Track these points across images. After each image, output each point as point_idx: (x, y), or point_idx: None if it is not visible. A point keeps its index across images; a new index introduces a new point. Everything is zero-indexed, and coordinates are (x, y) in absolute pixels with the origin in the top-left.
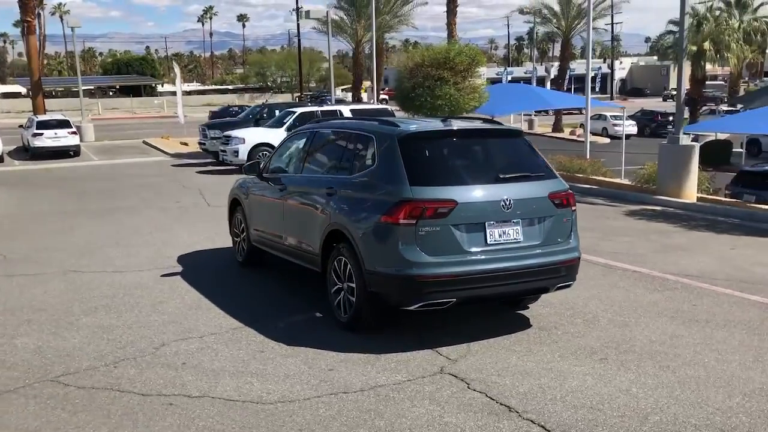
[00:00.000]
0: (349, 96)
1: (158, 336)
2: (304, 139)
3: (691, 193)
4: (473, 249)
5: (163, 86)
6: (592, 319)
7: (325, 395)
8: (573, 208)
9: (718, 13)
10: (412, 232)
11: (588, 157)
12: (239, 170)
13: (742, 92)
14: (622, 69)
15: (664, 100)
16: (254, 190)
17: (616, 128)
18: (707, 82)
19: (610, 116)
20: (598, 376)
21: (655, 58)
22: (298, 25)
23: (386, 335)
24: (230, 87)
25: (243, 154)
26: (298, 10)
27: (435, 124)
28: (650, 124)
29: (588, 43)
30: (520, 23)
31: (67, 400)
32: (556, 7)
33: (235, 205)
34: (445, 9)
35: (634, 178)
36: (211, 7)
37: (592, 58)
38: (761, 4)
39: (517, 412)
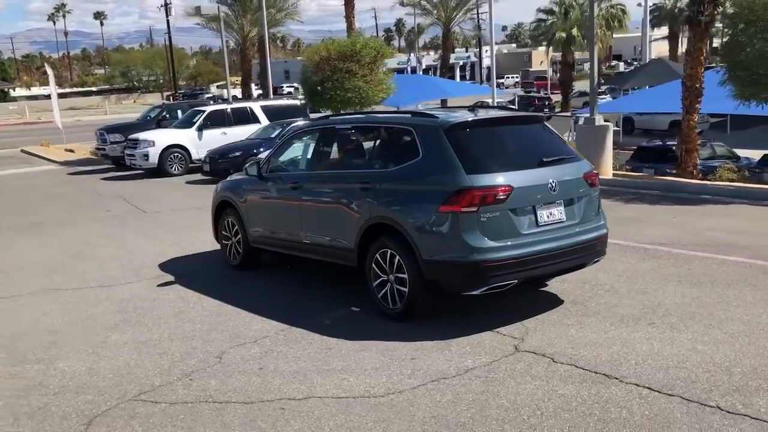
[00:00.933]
0: (229, 93)
1: (210, 345)
2: (315, 136)
3: (608, 170)
4: (527, 231)
5: (15, 90)
6: (611, 290)
7: (429, 382)
8: (598, 186)
9: (582, 0)
10: (474, 219)
11: None
12: (150, 174)
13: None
14: (487, 57)
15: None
16: (254, 191)
17: None
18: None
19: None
20: (660, 340)
21: (514, 45)
22: (168, 21)
23: (436, 322)
24: (94, 89)
25: (154, 158)
26: (167, 6)
27: (467, 114)
28: (529, 109)
29: (491, 32)
30: (385, 14)
31: (171, 416)
32: None
33: (223, 208)
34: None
35: None
36: (63, 5)
37: (459, 48)
38: None
39: (617, 378)
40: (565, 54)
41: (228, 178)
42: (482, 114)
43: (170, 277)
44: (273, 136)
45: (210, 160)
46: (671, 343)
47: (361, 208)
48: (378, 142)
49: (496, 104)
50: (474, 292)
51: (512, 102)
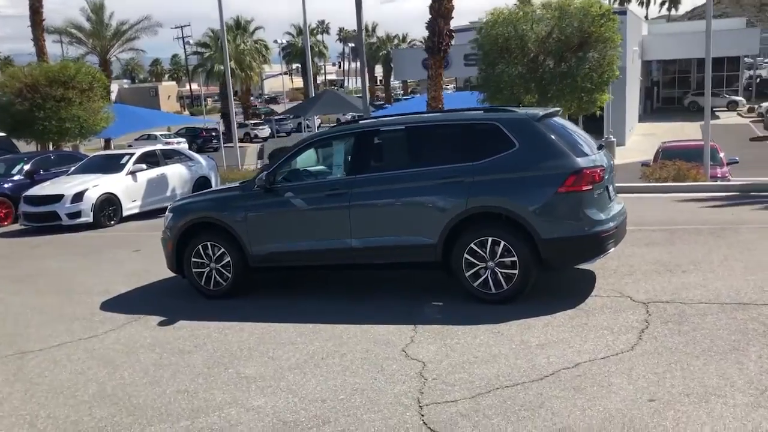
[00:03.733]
0: None
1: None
2: (349, 141)
3: None
4: (610, 206)
5: None
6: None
7: (599, 359)
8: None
9: (235, 34)
10: (591, 196)
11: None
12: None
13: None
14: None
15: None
16: (262, 206)
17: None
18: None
19: (160, 135)
20: (726, 279)
21: (127, 82)
22: None
23: (525, 303)
24: None
25: (88, 214)
26: None
27: (533, 109)
28: (197, 140)
29: (226, 64)
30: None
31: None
32: (87, 25)
33: (194, 231)
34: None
35: None
36: None
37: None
38: (256, 29)
39: (746, 303)
40: (225, 85)
41: (193, 199)
42: (541, 109)
43: (178, 313)
44: None
45: None
46: (736, 280)
47: (449, 202)
48: (452, 139)
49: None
50: (591, 262)
51: (180, 134)
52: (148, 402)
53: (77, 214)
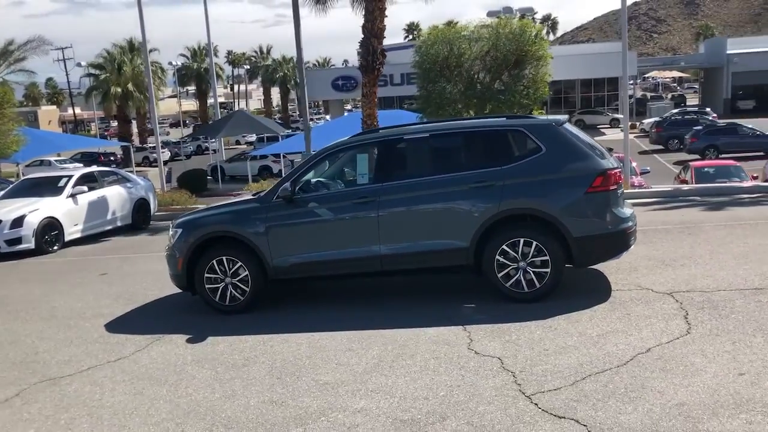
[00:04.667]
0: None
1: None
2: (373, 150)
3: None
4: (626, 205)
5: None
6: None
7: (665, 344)
8: None
9: (131, 56)
10: (617, 195)
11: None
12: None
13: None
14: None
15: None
16: (285, 217)
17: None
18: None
19: (54, 160)
20: (726, 269)
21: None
22: None
23: (552, 300)
24: None
25: (29, 240)
26: None
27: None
28: (93, 165)
29: (150, 83)
30: None
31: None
32: None
33: (207, 246)
34: None
35: None
36: None
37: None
38: (151, 50)
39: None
40: (122, 108)
41: (203, 214)
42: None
43: (209, 332)
44: None
45: None
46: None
47: (481, 206)
48: (478, 145)
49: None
50: (617, 258)
51: (76, 159)
52: (238, 415)
53: (17, 241)
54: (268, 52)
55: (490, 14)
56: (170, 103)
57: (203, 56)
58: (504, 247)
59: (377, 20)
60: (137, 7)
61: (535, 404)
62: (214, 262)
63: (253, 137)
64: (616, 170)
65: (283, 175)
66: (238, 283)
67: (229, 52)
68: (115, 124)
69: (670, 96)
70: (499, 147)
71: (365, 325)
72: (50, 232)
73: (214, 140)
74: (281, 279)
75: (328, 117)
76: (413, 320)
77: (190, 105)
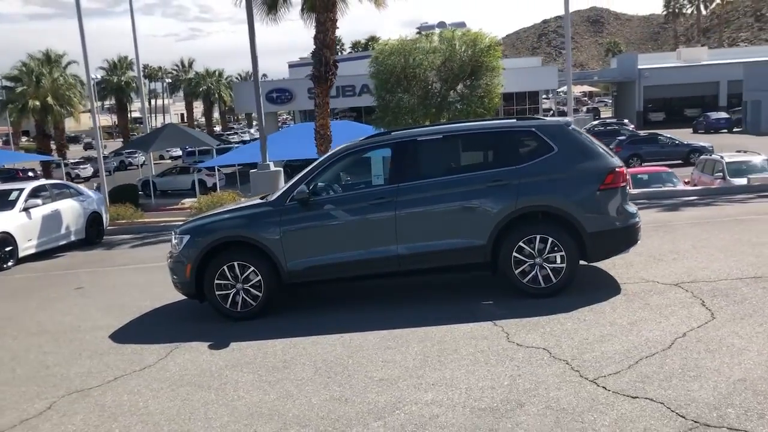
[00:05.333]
0: None
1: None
2: (387, 152)
3: None
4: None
5: None
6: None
7: (697, 328)
8: None
9: (50, 68)
10: (625, 191)
11: None
12: None
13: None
14: None
15: None
16: (300, 220)
17: None
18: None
19: None
20: (717, 261)
21: None
22: None
23: (565, 296)
24: None
25: None
26: None
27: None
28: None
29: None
30: None
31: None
32: None
33: (216, 252)
34: None
35: (189, 214)
36: None
37: None
38: (69, 63)
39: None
40: (41, 122)
41: (211, 219)
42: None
43: (238, 343)
44: None
45: None
46: None
47: (498, 204)
48: (491, 145)
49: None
50: (626, 252)
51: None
52: (306, 413)
53: None
54: (190, 65)
55: (422, 28)
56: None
57: (124, 69)
58: (521, 243)
59: (329, 31)
60: (77, 19)
61: (603, 387)
62: (225, 267)
63: (178, 151)
64: (623, 168)
65: (290, 183)
66: (250, 289)
67: (145, 66)
68: (24, 139)
69: (585, 109)
70: (512, 147)
71: (392, 325)
72: (3, 248)
73: (137, 155)
74: (294, 283)
75: (252, 131)
76: (437, 318)
77: (105, 120)
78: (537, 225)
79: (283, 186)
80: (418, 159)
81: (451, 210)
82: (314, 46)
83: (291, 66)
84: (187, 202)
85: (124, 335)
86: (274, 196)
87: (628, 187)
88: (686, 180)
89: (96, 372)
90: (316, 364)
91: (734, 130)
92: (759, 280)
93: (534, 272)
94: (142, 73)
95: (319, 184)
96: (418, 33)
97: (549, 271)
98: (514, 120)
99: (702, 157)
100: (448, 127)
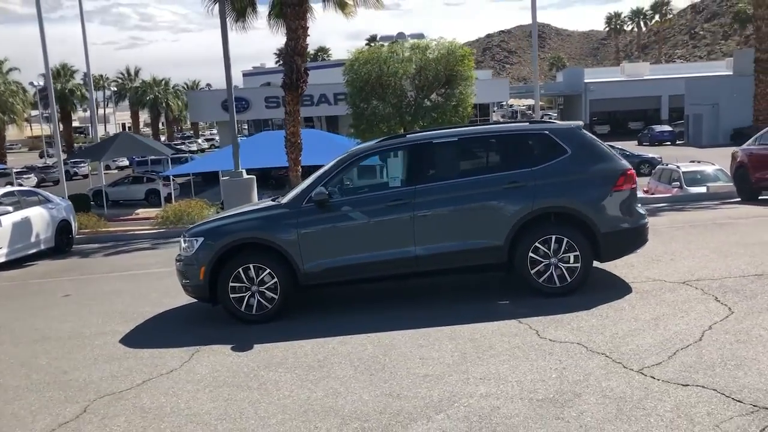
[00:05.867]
0: None
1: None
2: (404, 154)
3: None
4: None
5: None
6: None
7: (719, 322)
8: None
9: None
10: (636, 193)
11: None
12: None
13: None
14: None
15: None
16: (317, 222)
17: None
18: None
19: None
20: (714, 261)
21: None
22: None
23: (577, 295)
24: None
25: None
26: None
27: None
28: None
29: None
30: None
31: None
32: None
33: (232, 254)
34: None
35: (156, 223)
36: None
37: None
38: (11, 69)
39: None
40: None
41: (225, 221)
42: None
43: (269, 347)
44: None
45: None
46: None
47: (515, 205)
48: (506, 148)
49: None
50: (637, 251)
51: None
52: (362, 409)
53: None
54: (137, 74)
55: (382, 39)
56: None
57: (68, 77)
58: (536, 244)
59: (300, 39)
60: (38, 26)
61: (651, 377)
62: (240, 270)
63: (124, 161)
64: (632, 170)
65: (302, 185)
66: (265, 291)
67: (85, 74)
68: None
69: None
70: (527, 150)
71: (415, 324)
72: None
73: (83, 165)
74: (310, 285)
75: (200, 141)
76: (458, 317)
77: (45, 129)
78: (552, 226)
79: (296, 188)
80: (434, 161)
81: (468, 211)
82: (284, 54)
83: (246, 75)
84: (142, 212)
85: (135, 340)
86: (288, 198)
87: (635, 190)
88: (645, 189)
89: (121, 376)
90: (353, 363)
91: (677, 142)
92: (762, 278)
93: (549, 272)
94: (88, 81)
95: (334, 186)
96: (380, 44)
97: (564, 270)
98: (527, 123)
99: (659, 167)
100: (463, 129)
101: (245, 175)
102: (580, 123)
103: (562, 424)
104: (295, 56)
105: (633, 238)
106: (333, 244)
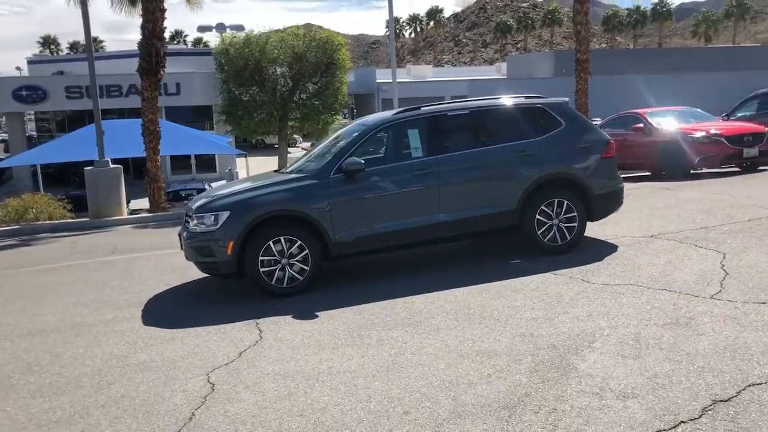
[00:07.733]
0: None
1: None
2: (422, 126)
3: (122, 210)
4: None
5: None
6: None
7: (722, 267)
8: None
9: None
10: (614, 161)
11: None
12: None
13: None
14: None
15: None
16: (346, 192)
17: None
18: None
19: None
20: (670, 220)
21: None
22: None
23: (566, 255)
24: None
25: None
26: None
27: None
28: None
29: None
30: None
31: None
32: None
33: (261, 227)
34: None
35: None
36: None
37: None
38: None
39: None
40: None
41: (253, 193)
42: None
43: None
44: None
45: None
46: None
47: (526, 172)
48: (511, 120)
49: None
50: (618, 211)
51: None
52: (509, 347)
53: None
54: None
55: (200, 29)
56: None
57: None
58: (543, 207)
59: (159, 21)
60: None
61: (728, 300)
62: (271, 243)
63: None
64: (614, 141)
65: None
66: (295, 263)
67: None
68: None
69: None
70: (529, 121)
71: (460, 284)
72: None
73: None
74: (342, 255)
75: None
76: (493, 276)
77: None
78: (555, 190)
79: (305, 160)
80: (450, 132)
81: (487, 178)
82: (141, 36)
83: (31, 62)
84: None
85: (167, 321)
86: (315, 170)
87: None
88: None
89: (208, 354)
90: (449, 316)
91: None
92: (711, 230)
93: (553, 231)
94: None
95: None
96: (252, 30)
97: (564, 230)
98: (523, 97)
99: None
100: (471, 103)
101: (111, 165)
102: (566, 99)
103: (704, 339)
104: (154, 39)
105: (616, 199)
106: (365, 214)
